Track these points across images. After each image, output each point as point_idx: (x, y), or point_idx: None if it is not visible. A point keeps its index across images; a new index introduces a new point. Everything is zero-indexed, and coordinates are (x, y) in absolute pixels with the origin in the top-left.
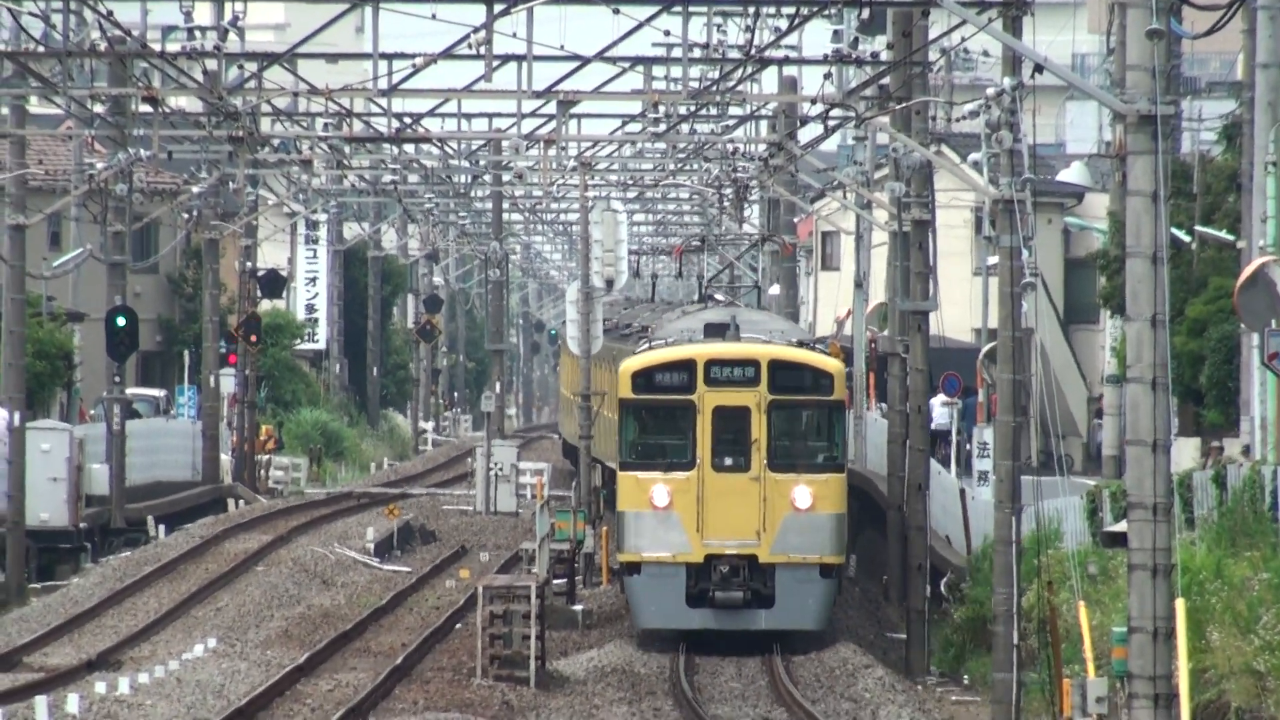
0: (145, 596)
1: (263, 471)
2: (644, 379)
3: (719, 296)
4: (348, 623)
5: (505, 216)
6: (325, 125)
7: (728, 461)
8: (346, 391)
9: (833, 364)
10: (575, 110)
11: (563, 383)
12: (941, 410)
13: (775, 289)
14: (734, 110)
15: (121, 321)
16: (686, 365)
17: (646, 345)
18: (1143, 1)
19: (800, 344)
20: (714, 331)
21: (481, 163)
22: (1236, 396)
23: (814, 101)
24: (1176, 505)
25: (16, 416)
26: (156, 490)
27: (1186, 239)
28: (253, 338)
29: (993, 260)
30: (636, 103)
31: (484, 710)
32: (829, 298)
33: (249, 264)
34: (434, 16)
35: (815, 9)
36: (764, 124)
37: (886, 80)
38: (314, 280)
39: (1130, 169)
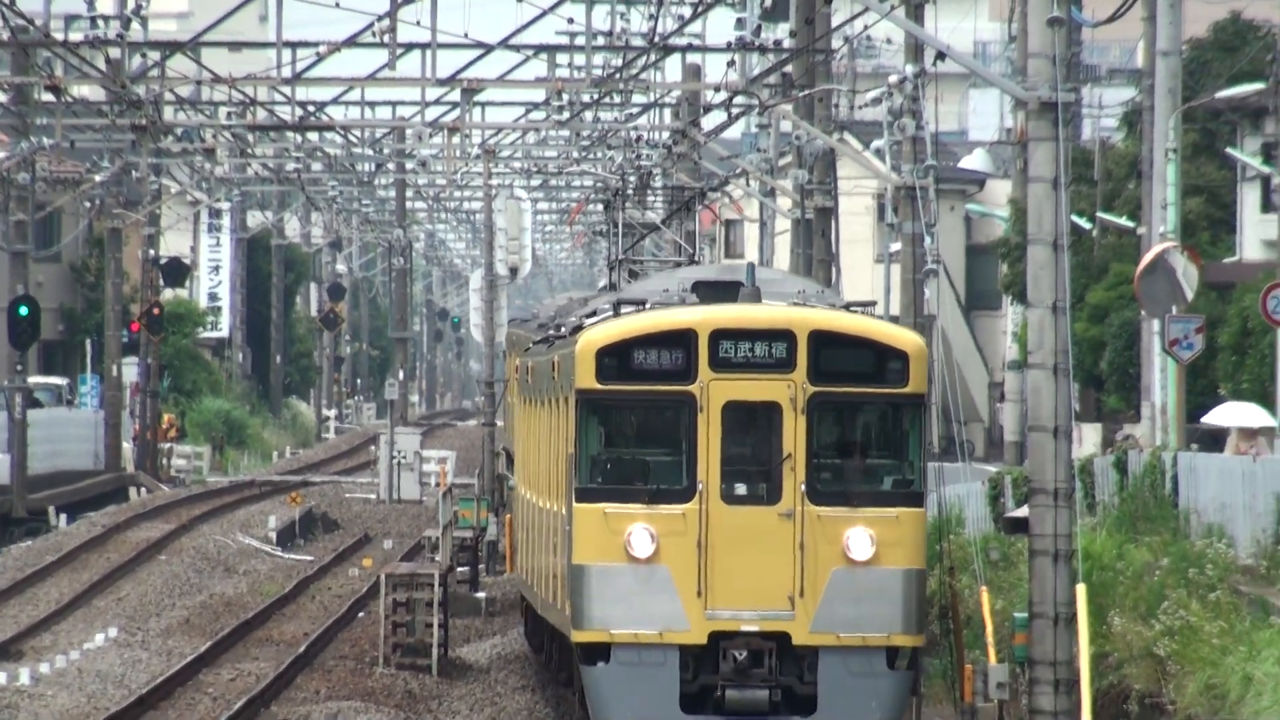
0: (46, 586)
1: (165, 460)
2: (616, 360)
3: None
4: (250, 611)
5: (409, 204)
6: (228, 114)
7: (744, 489)
8: (249, 380)
9: (908, 339)
10: (479, 98)
11: (509, 390)
12: None
13: None
14: (637, 98)
15: (24, 311)
16: (682, 338)
17: (604, 313)
18: None
19: (849, 309)
20: (716, 292)
21: (385, 151)
22: (1137, 382)
23: (717, 89)
24: (1078, 490)
25: None
26: (58, 479)
27: (1087, 225)
28: (157, 337)
29: (895, 247)
30: (540, 91)
31: (386, 699)
32: None
33: (152, 252)
34: (338, 5)
35: None
36: (667, 112)
37: (789, 68)
38: (217, 269)
39: (1031, 156)
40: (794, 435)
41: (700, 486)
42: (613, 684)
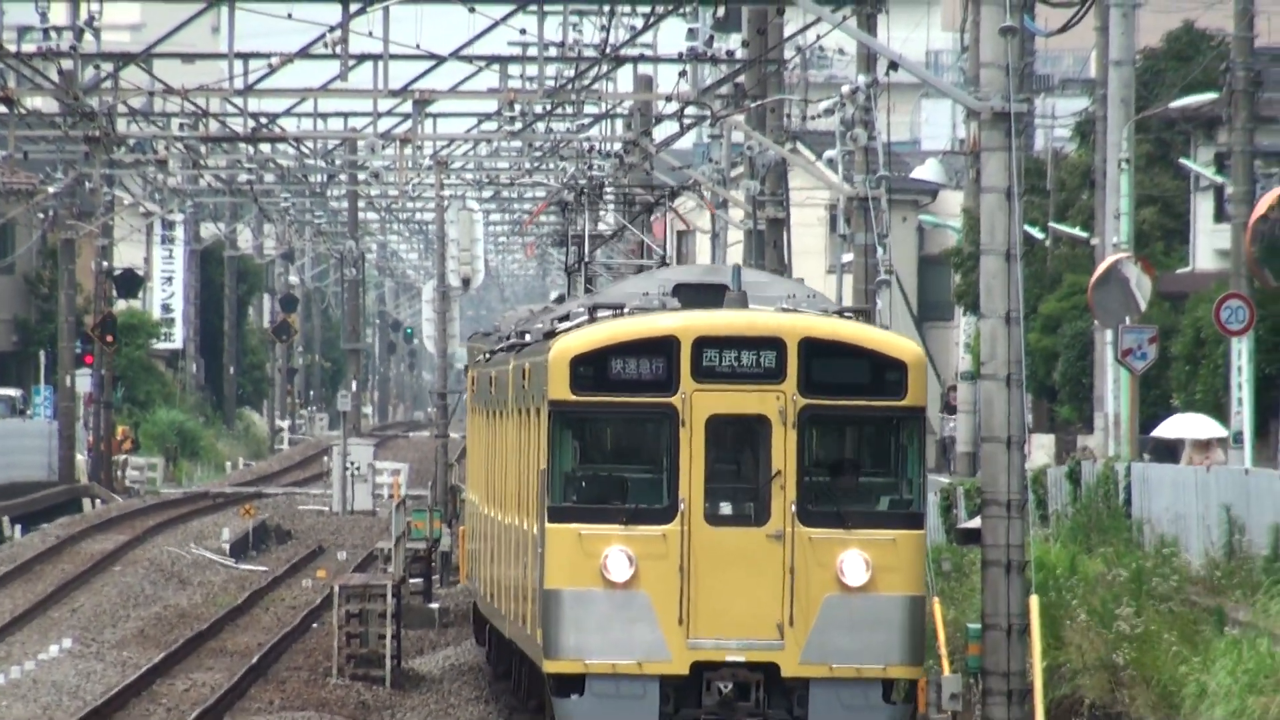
0: (0, 597)
1: (119, 471)
2: (592, 369)
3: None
4: (204, 623)
5: (361, 216)
6: (181, 125)
7: (729, 509)
8: (202, 391)
9: (906, 348)
10: (431, 109)
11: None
12: None
13: None
14: (589, 109)
15: None
16: (663, 346)
17: (579, 318)
18: None
19: (841, 315)
20: (699, 296)
21: (337, 162)
22: (1090, 393)
23: (669, 99)
24: (1031, 501)
25: None
26: (12, 490)
27: (1040, 236)
28: (108, 338)
29: (848, 258)
30: (492, 101)
31: (340, 710)
32: None
33: (105, 264)
34: (290, 16)
35: (670, 7)
36: (619, 122)
37: (741, 78)
38: (170, 280)
39: (984, 166)
40: (783, 451)
41: (682, 506)
42: (588, 717)
